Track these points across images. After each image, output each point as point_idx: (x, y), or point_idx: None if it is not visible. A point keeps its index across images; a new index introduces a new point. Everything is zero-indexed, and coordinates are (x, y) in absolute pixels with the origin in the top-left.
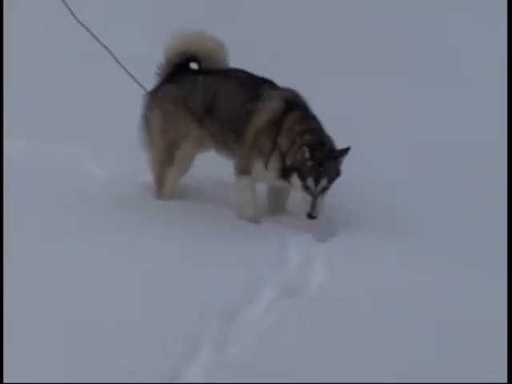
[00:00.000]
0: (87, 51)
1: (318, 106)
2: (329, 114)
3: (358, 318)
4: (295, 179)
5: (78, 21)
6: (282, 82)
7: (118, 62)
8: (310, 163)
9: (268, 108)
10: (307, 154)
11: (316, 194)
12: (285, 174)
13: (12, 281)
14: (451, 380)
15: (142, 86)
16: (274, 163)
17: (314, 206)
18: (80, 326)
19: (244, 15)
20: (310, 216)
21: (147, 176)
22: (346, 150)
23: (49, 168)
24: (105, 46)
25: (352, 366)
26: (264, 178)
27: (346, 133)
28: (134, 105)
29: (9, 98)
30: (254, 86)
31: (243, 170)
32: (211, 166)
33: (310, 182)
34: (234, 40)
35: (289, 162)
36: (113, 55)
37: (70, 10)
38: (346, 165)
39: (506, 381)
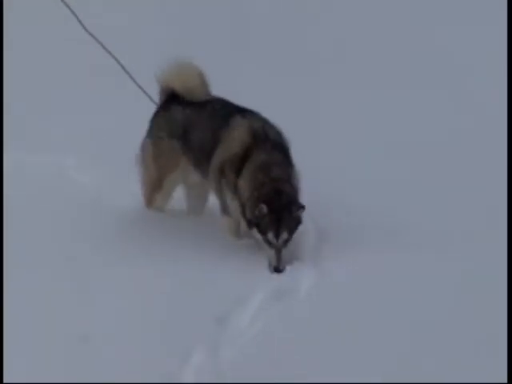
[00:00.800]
0: (87, 60)
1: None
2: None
3: (346, 321)
4: (256, 233)
5: (89, 32)
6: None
7: (128, 74)
8: (268, 218)
9: (234, 138)
10: (265, 210)
11: (279, 247)
12: (247, 223)
13: (12, 282)
14: (452, 380)
15: (151, 98)
16: (236, 202)
17: (279, 259)
18: (79, 328)
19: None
20: (277, 270)
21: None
22: (302, 207)
23: (37, 179)
24: (116, 59)
25: (342, 368)
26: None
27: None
28: (123, 117)
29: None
30: (226, 115)
31: (223, 210)
32: None
33: (270, 236)
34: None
35: (248, 215)
36: (123, 67)
37: (80, 21)
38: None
39: (505, 381)
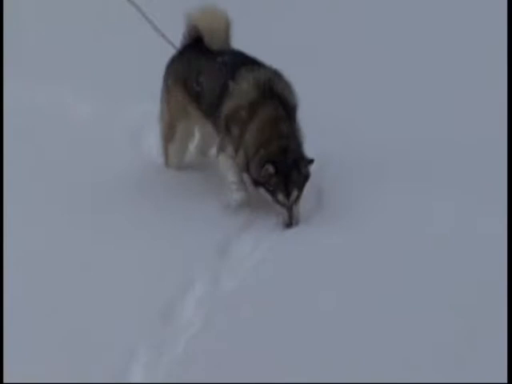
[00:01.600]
0: None
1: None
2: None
3: (343, 253)
4: (264, 193)
5: None
6: None
7: (145, 17)
8: (276, 179)
9: (239, 92)
10: (272, 170)
11: (290, 206)
12: (253, 182)
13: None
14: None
15: (172, 45)
16: (240, 158)
17: (291, 216)
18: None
19: None
20: (290, 226)
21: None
22: (310, 161)
23: (35, 110)
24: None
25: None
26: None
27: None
28: (118, 44)
29: None
30: (233, 68)
31: (221, 149)
32: None
33: (280, 197)
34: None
35: (253, 174)
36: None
37: None
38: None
39: (506, 381)
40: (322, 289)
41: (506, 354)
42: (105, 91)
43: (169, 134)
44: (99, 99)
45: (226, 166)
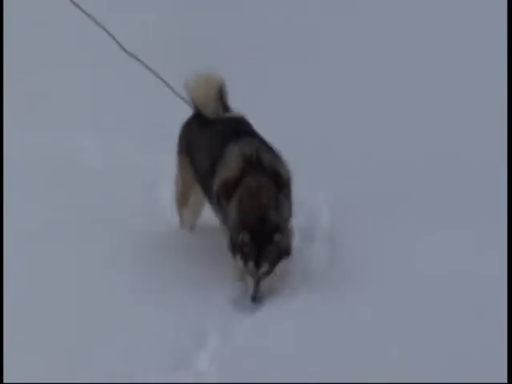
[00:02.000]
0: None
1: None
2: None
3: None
4: (238, 262)
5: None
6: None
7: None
8: (249, 248)
9: (225, 167)
10: (247, 239)
11: (258, 278)
12: (231, 250)
13: (12, 279)
14: (452, 380)
15: (190, 105)
16: (228, 235)
17: (256, 288)
18: (81, 326)
19: None
20: (253, 299)
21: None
22: (287, 232)
23: (46, 160)
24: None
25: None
26: None
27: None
28: (132, 92)
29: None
30: (221, 144)
31: (230, 250)
32: None
33: (250, 266)
34: None
35: (233, 240)
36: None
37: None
38: None
39: (505, 381)
40: (335, 348)
41: (506, 354)
42: (118, 140)
43: (182, 200)
44: (112, 148)
45: (235, 277)
